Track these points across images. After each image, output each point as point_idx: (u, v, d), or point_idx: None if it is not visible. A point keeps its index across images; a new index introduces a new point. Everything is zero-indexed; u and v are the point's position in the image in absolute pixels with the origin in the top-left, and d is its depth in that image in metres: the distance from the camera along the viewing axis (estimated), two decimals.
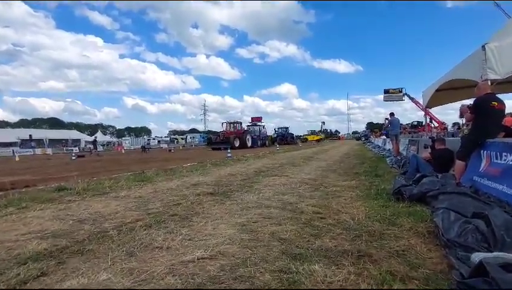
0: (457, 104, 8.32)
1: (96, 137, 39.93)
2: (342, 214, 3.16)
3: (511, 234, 1.96)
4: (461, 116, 4.58)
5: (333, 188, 4.77)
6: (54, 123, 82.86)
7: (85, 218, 3.28)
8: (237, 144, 25.72)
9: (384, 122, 13.77)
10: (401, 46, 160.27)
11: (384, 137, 18.53)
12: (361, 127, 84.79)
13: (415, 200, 3.47)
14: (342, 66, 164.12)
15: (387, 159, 9.80)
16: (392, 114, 11.12)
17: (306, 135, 52.81)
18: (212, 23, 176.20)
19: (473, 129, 3.95)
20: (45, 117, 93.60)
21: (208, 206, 3.77)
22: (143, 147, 32.45)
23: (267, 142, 33.72)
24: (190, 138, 74.49)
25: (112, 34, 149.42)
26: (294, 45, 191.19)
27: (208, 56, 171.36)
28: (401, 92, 31.99)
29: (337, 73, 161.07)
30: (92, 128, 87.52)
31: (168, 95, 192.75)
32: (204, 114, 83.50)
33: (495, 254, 1.75)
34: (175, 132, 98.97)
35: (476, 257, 1.72)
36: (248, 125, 33.99)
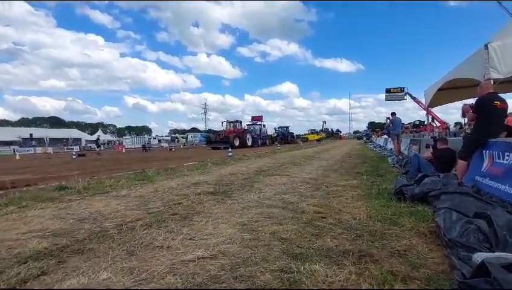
0: (460, 104, 8.31)
1: (99, 136, 39.94)
2: (343, 214, 3.15)
3: None
4: (463, 115, 4.56)
5: (334, 188, 4.76)
6: (55, 122, 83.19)
7: (85, 217, 3.28)
8: (237, 143, 25.59)
9: (385, 121, 13.74)
10: (403, 45, 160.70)
11: (385, 136, 18.49)
12: (363, 127, 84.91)
13: (417, 200, 3.47)
14: (343, 65, 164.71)
15: (389, 158, 9.77)
16: (393, 113, 11.06)
17: (306, 134, 52.73)
18: (213, 22, 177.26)
19: (475, 129, 3.93)
20: (46, 116, 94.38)
21: (209, 205, 3.77)
22: (144, 146, 32.45)
23: (267, 141, 33.72)
24: (191, 137, 74.45)
25: (112, 33, 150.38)
26: (296, 44, 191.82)
27: (208, 55, 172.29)
28: (402, 91, 31.95)
29: (338, 72, 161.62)
30: (92, 127, 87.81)
31: (168, 94, 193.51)
32: (205, 113, 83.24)
33: (497, 254, 1.75)
34: (176, 131, 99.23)
35: (478, 257, 1.72)
36: (248, 125, 33.98)
